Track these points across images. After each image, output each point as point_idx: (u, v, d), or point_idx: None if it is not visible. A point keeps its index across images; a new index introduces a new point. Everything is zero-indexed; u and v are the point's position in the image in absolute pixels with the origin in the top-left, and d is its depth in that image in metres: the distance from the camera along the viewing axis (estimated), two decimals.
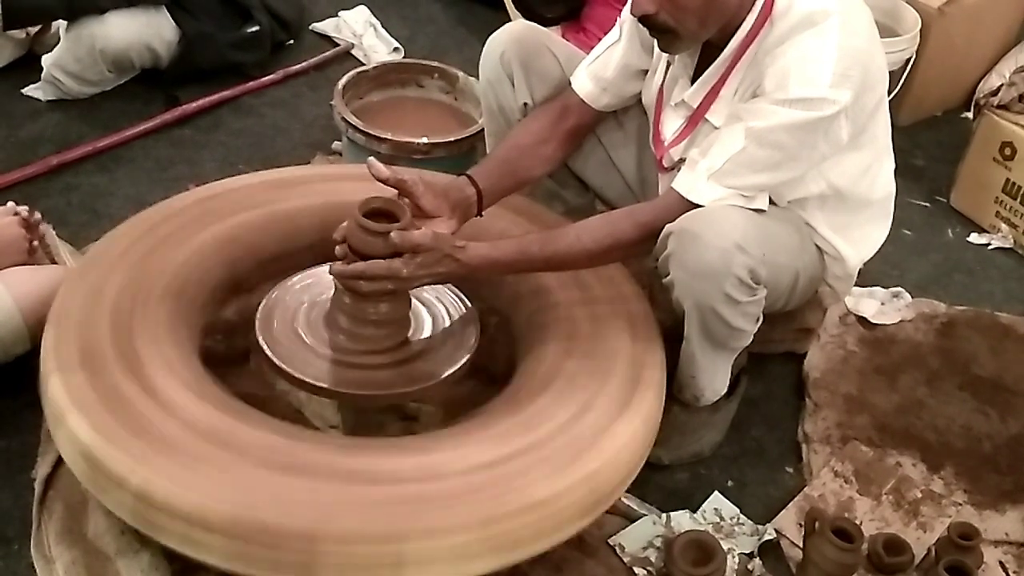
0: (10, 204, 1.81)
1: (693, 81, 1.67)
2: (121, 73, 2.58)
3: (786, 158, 1.55)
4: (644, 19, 1.56)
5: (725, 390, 1.79)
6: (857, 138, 1.62)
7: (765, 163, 1.55)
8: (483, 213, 1.71)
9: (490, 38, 1.88)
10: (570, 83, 1.82)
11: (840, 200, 1.71)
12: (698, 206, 1.56)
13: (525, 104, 1.86)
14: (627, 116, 1.87)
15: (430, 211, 1.61)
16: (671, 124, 1.72)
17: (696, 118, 1.66)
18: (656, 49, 1.68)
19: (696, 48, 1.64)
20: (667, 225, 1.56)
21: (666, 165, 1.73)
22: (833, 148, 1.58)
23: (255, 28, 2.68)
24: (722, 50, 1.60)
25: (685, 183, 1.58)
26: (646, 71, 1.78)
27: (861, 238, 1.79)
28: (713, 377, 1.75)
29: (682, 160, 1.67)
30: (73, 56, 2.48)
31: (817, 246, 1.75)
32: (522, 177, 1.79)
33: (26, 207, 1.82)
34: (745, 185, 1.56)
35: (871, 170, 1.72)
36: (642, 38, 1.73)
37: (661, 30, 1.56)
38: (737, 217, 1.54)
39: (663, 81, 1.73)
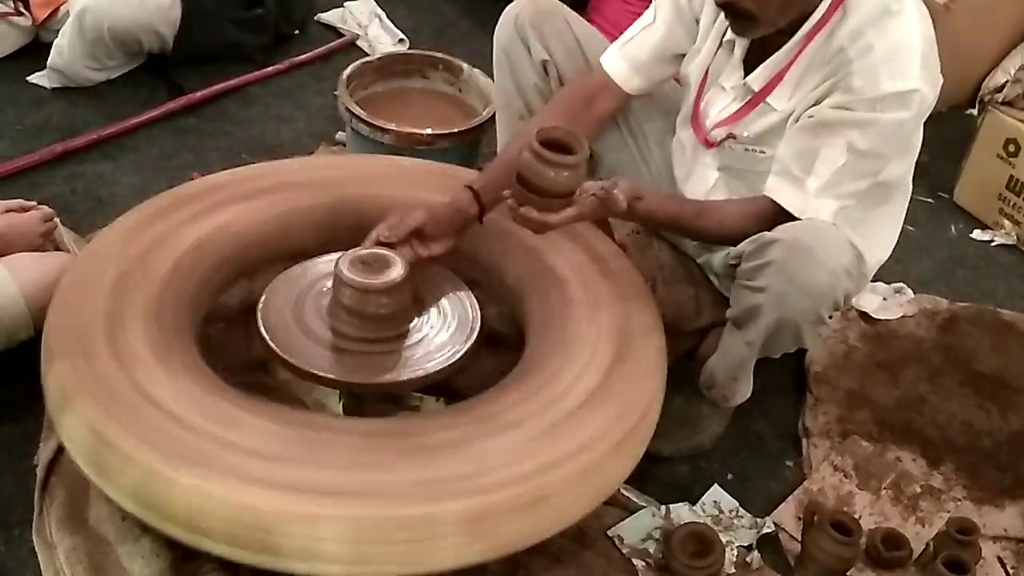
0: (19, 201, 1.83)
1: (747, 64, 1.66)
2: (128, 56, 2.58)
3: (887, 160, 1.58)
4: (726, 5, 1.55)
5: (750, 394, 1.79)
6: None
7: (868, 170, 1.57)
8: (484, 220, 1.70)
9: (504, 11, 1.88)
10: (600, 64, 1.79)
11: (864, 193, 1.67)
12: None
13: (544, 63, 1.85)
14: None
15: (436, 239, 1.66)
16: (718, 104, 1.71)
17: (756, 100, 1.65)
18: (702, 31, 1.69)
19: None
20: (771, 232, 1.54)
21: (712, 141, 1.71)
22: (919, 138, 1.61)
23: (260, 10, 2.69)
24: (790, 35, 1.59)
25: (795, 202, 1.56)
26: (682, 55, 1.77)
27: (874, 235, 1.77)
28: (749, 382, 1.76)
29: (730, 136, 1.67)
30: (80, 39, 2.48)
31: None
32: None
33: (50, 211, 1.85)
34: (851, 192, 1.57)
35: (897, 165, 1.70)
36: (685, 23, 1.73)
37: (741, 15, 1.55)
38: (845, 240, 1.54)
39: (710, 62, 1.71)
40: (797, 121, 1.60)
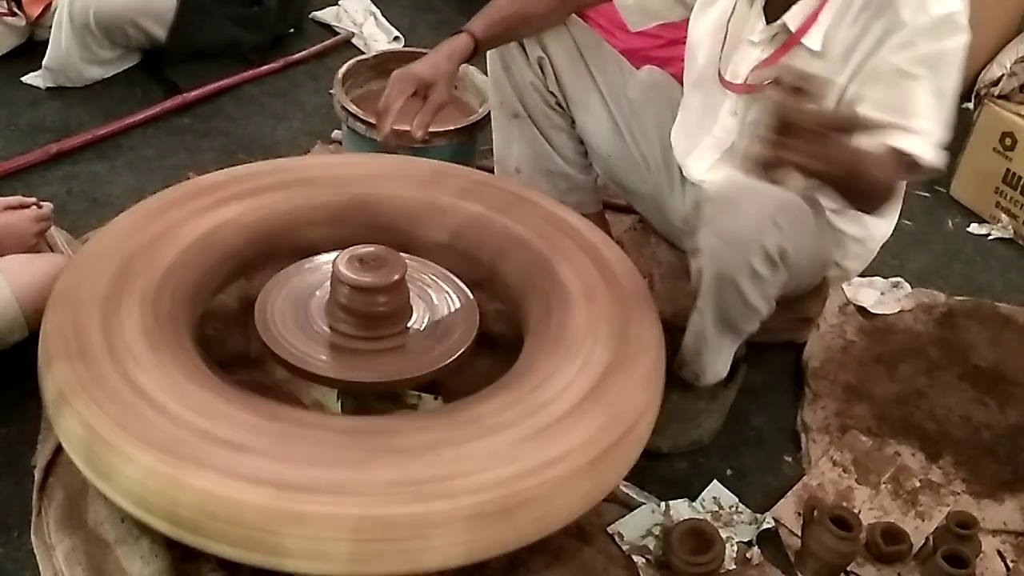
0: (18, 197, 1.82)
1: (768, 11, 1.64)
2: (119, 50, 2.58)
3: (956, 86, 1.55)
4: None
5: (725, 374, 1.79)
6: None
7: (951, 100, 1.54)
8: None
9: None
10: None
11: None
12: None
13: (540, 61, 1.85)
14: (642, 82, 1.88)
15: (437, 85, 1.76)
16: (748, 58, 1.69)
17: (791, 43, 1.63)
18: None
19: None
20: (705, 193, 1.57)
21: (751, 82, 1.69)
22: None
23: (258, 8, 2.69)
24: None
25: (922, 149, 1.48)
26: (684, 5, 1.77)
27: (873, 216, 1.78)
28: (717, 358, 1.75)
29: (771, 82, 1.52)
30: (69, 27, 2.48)
31: (834, 226, 1.74)
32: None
33: (49, 204, 1.85)
34: (948, 124, 1.54)
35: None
36: None
37: None
38: (775, 192, 1.52)
39: (729, 17, 1.70)
40: (848, 65, 1.56)
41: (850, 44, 1.58)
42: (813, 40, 1.60)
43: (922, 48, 1.51)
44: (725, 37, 1.71)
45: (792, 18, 1.62)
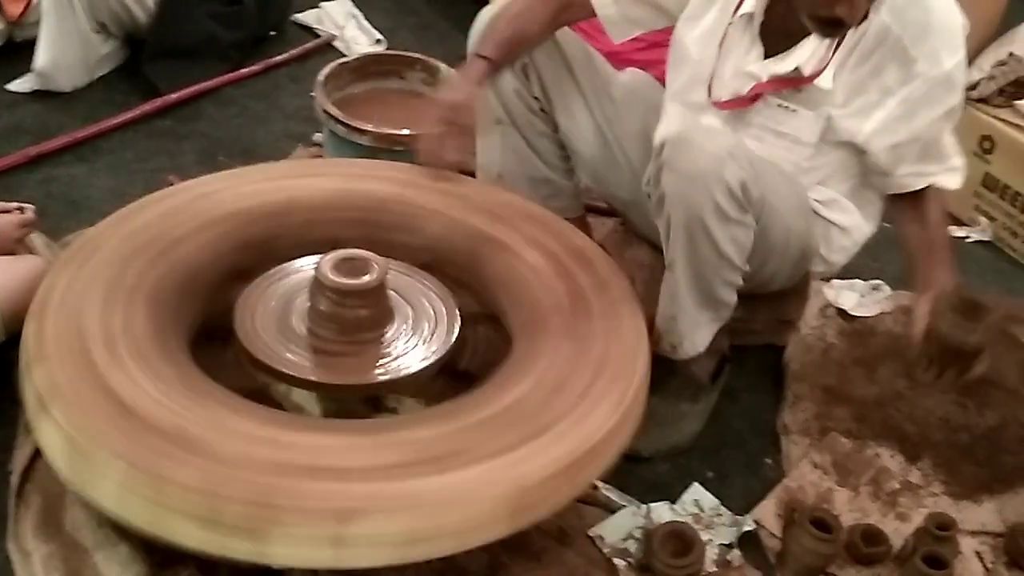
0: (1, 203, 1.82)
1: (765, 42, 1.69)
2: (102, 34, 2.56)
3: None
4: (817, 18, 1.59)
5: (704, 348, 1.77)
6: None
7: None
8: None
9: (480, 13, 1.89)
10: None
11: (858, 157, 1.75)
12: None
13: (524, 67, 1.86)
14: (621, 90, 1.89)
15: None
16: (738, 82, 1.73)
17: (802, 82, 1.68)
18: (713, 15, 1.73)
19: None
20: (659, 137, 1.60)
21: (744, 98, 1.74)
22: None
23: (238, 5, 2.68)
24: None
25: (959, 180, 1.78)
26: (669, 14, 1.80)
27: (869, 204, 1.82)
28: (694, 326, 1.74)
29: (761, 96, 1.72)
30: (55, 18, 2.45)
31: (820, 215, 1.77)
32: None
33: (31, 207, 1.84)
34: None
35: None
36: None
37: (836, 24, 1.60)
38: (730, 134, 1.62)
39: (722, 37, 1.73)
40: (855, 103, 1.68)
41: (858, 83, 1.66)
42: (825, 80, 1.66)
43: (944, 104, 1.66)
44: (719, 54, 1.73)
45: (806, 64, 1.66)
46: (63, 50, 2.50)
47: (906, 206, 1.80)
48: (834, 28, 1.61)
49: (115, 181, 2.28)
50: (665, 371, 1.78)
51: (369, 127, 2.17)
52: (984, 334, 1.70)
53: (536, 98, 1.90)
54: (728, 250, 1.63)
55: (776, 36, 1.68)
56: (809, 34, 1.64)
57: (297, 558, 1.26)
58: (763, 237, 1.66)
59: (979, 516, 1.76)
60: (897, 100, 1.66)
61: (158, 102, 2.51)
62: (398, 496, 1.27)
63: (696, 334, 1.76)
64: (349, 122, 2.18)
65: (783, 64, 1.68)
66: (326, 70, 2.34)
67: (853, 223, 1.81)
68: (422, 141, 1.79)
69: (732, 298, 1.72)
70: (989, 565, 1.69)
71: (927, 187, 1.76)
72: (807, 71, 1.66)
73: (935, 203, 1.78)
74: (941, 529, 1.65)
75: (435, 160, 1.77)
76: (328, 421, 1.60)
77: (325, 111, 2.22)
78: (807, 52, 1.66)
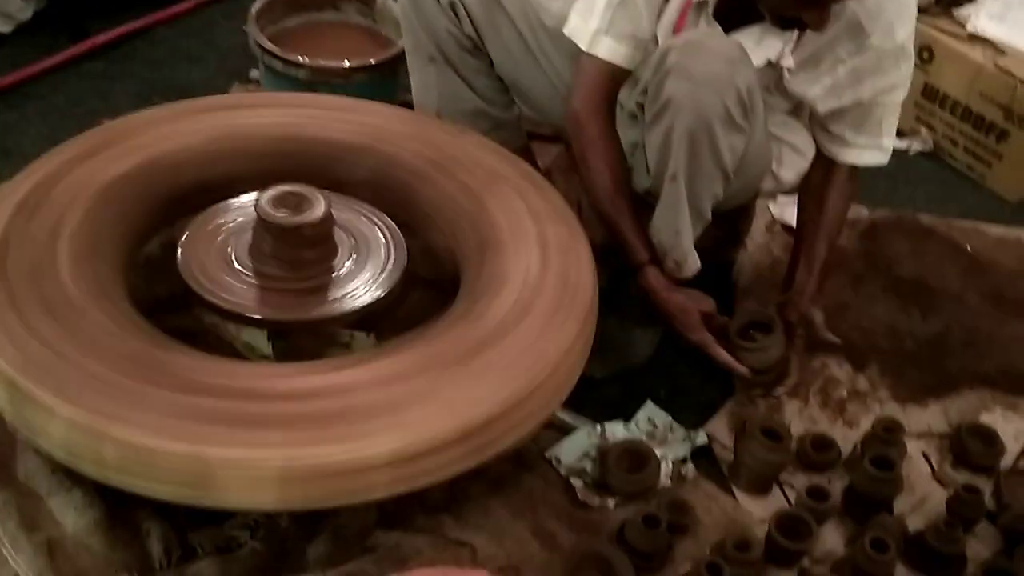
0: None
1: (721, 16, 1.65)
2: None
3: None
4: (791, 20, 1.58)
5: (698, 268, 1.76)
6: None
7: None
8: None
9: None
10: (588, 58, 1.71)
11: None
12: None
13: (452, 5, 1.81)
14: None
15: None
16: None
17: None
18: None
19: None
20: (665, 46, 1.59)
21: None
22: None
23: None
24: None
25: (879, 158, 1.79)
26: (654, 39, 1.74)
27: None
28: (691, 241, 1.71)
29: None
30: None
31: (774, 135, 1.77)
32: None
33: None
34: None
35: None
36: None
37: (798, 25, 1.59)
38: (732, 39, 1.61)
39: (681, 22, 1.68)
40: (816, 72, 1.67)
41: (811, 54, 1.65)
42: (787, 60, 1.65)
43: (891, 75, 1.69)
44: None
45: (785, 57, 1.65)
46: None
47: (816, 178, 1.82)
48: (796, 25, 1.59)
49: (47, 126, 2.22)
50: (616, 294, 1.80)
51: (306, 60, 2.13)
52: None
53: (469, 36, 1.87)
54: (726, 159, 1.61)
55: (732, 17, 1.65)
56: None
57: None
58: (746, 150, 1.66)
59: (925, 418, 1.80)
60: (847, 68, 1.66)
61: (87, 44, 2.43)
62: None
63: (692, 248, 1.73)
64: (285, 56, 2.14)
65: (754, 57, 1.64)
66: (258, 4, 2.27)
67: (804, 143, 1.81)
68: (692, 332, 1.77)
69: (709, 214, 1.71)
70: (935, 465, 1.74)
71: (843, 168, 1.79)
72: (787, 64, 1.65)
73: (841, 195, 1.81)
74: (888, 432, 1.69)
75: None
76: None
77: (260, 46, 2.17)
78: (777, 47, 1.64)
